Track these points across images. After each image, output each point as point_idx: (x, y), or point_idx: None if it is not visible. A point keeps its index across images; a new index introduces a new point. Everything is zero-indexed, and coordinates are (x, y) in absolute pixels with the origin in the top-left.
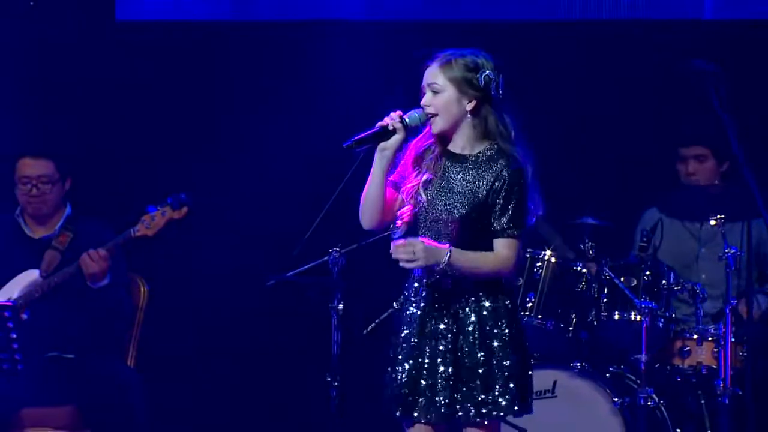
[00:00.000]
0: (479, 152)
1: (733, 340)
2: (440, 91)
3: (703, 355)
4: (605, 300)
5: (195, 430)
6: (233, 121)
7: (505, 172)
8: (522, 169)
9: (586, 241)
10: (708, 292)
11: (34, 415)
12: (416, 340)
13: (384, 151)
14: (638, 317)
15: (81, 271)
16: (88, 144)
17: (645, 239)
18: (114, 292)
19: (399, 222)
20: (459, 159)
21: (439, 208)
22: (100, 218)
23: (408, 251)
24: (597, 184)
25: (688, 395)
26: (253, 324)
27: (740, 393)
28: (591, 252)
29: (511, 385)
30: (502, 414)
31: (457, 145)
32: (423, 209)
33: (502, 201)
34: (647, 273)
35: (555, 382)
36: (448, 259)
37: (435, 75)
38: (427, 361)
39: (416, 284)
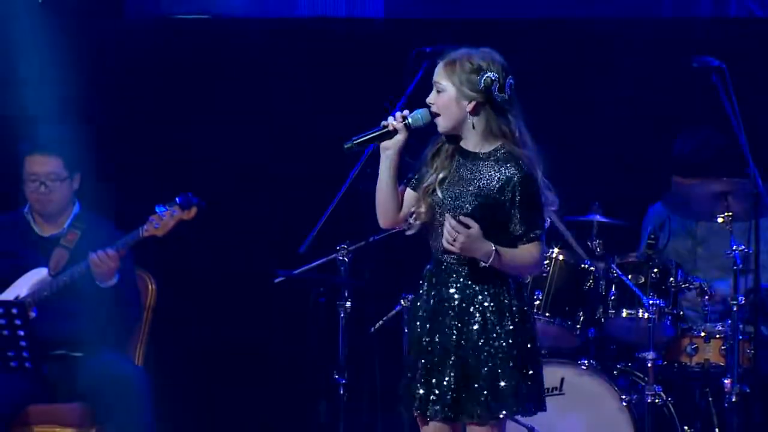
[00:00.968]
0: (490, 151)
1: (740, 337)
2: (442, 90)
3: (711, 352)
4: (613, 297)
5: (202, 427)
6: (240, 119)
7: (516, 179)
8: (531, 174)
9: (594, 238)
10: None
11: (41, 413)
12: (426, 339)
13: (386, 151)
14: (646, 315)
15: (89, 270)
16: (96, 141)
17: (653, 236)
18: (123, 290)
19: (414, 218)
20: (471, 157)
21: (449, 206)
22: (108, 217)
23: (452, 233)
24: (604, 181)
25: (695, 393)
26: (260, 321)
27: (748, 391)
28: (598, 249)
29: (517, 384)
30: (506, 413)
31: (469, 143)
32: (438, 206)
33: (518, 209)
34: (655, 270)
35: (563, 380)
36: (491, 261)
37: (439, 74)
38: (435, 359)
39: (430, 284)
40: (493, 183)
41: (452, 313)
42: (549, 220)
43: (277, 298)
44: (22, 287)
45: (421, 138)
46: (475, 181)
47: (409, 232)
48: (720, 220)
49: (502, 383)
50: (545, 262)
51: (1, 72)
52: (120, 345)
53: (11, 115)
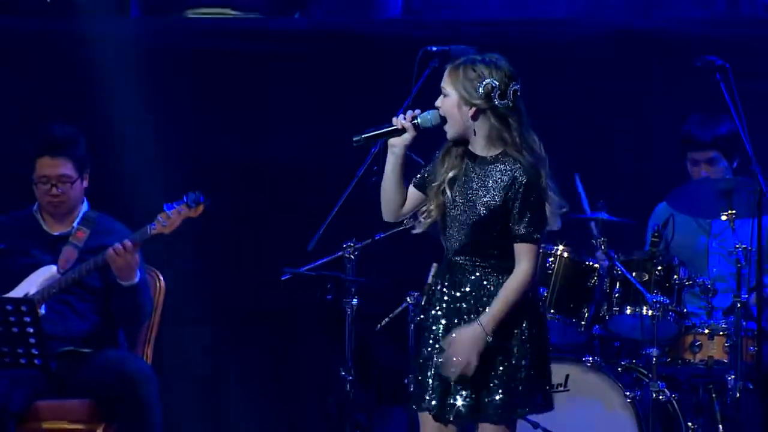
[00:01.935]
0: (497, 155)
1: (744, 334)
2: (447, 95)
3: (715, 349)
4: (617, 295)
5: (210, 424)
6: (247, 116)
7: (519, 179)
8: (531, 178)
9: (599, 236)
10: (718, 286)
11: (50, 409)
12: (441, 339)
13: (393, 147)
14: (650, 312)
15: (99, 267)
16: (103, 141)
17: (657, 234)
18: (142, 290)
19: (425, 217)
20: (478, 160)
21: (459, 207)
22: (117, 215)
23: (457, 366)
24: (609, 179)
25: (699, 389)
26: (267, 318)
27: (751, 387)
28: (603, 247)
29: (530, 385)
30: (520, 413)
31: (476, 147)
32: (448, 206)
33: (518, 207)
34: (659, 268)
35: (567, 376)
36: (487, 331)
37: (445, 80)
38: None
39: (442, 282)
40: (499, 185)
41: (467, 313)
42: (558, 225)
43: (284, 295)
44: (31, 285)
45: (431, 138)
46: (483, 183)
47: (415, 231)
48: (723, 217)
49: (519, 382)
50: (550, 259)
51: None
52: (129, 342)
53: (21, 115)
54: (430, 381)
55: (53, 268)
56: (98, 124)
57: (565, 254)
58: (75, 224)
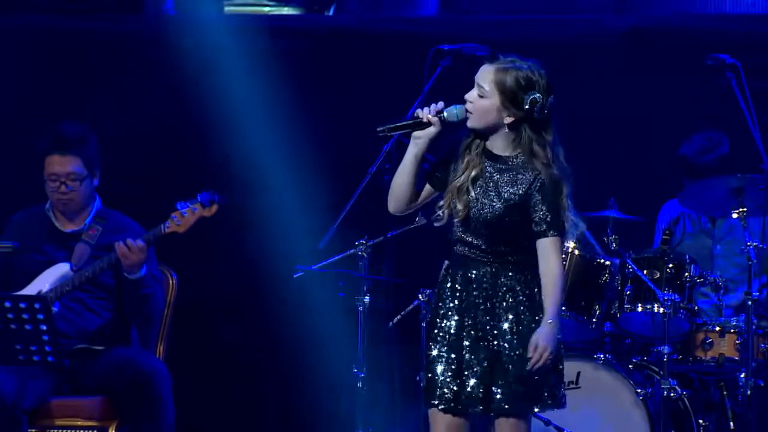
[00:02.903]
0: (517, 154)
1: (755, 332)
2: (485, 96)
3: (726, 346)
4: (628, 292)
5: (222, 421)
6: (257, 114)
7: (542, 176)
8: (558, 178)
9: (610, 233)
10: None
11: (63, 406)
12: (456, 334)
13: (417, 140)
14: (661, 309)
15: (112, 265)
16: (117, 139)
17: (668, 232)
18: (148, 284)
19: (452, 217)
20: (498, 159)
21: (480, 206)
22: (130, 214)
23: (541, 358)
24: (620, 177)
25: (710, 387)
26: (279, 315)
27: (762, 384)
28: (614, 245)
29: (548, 379)
30: (540, 407)
31: (496, 146)
32: (473, 205)
33: (542, 203)
34: (670, 265)
35: (579, 374)
36: (557, 323)
37: (485, 78)
38: (467, 354)
39: (454, 279)
40: (520, 188)
41: (483, 308)
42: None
43: (296, 292)
44: (44, 282)
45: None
46: (504, 186)
47: (437, 224)
48: (734, 215)
49: (536, 377)
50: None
51: None
52: (142, 339)
53: (30, 113)
54: (441, 377)
55: (66, 266)
56: (112, 123)
57: (577, 252)
58: (87, 221)
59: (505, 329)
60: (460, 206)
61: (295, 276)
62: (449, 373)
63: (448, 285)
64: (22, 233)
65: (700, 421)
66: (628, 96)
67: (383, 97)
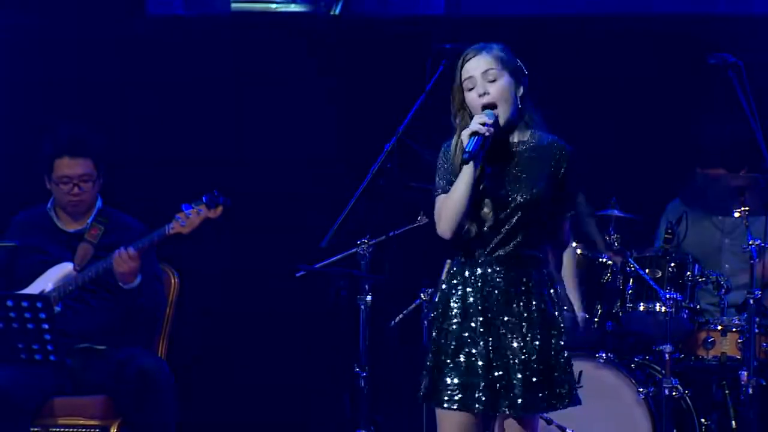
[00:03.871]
0: (529, 138)
1: (757, 331)
2: (497, 78)
3: (728, 345)
4: (630, 291)
5: (224, 420)
6: (259, 114)
7: (564, 154)
8: (573, 152)
9: (612, 232)
10: (732, 282)
11: (65, 405)
12: (466, 333)
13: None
14: (663, 308)
15: (109, 270)
16: (122, 140)
17: (670, 231)
18: (148, 285)
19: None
20: (512, 147)
21: (500, 197)
22: (134, 214)
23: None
24: (622, 176)
25: (712, 386)
26: (281, 315)
27: (764, 383)
28: (616, 243)
29: (568, 376)
30: (560, 405)
31: (509, 133)
32: (488, 200)
33: (565, 183)
34: (672, 264)
35: (581, 372)
36: (583, 312)
37: (489, 62)
38: (479, 353)
39: (466, 273)
40: (542, 173)
41: (496, 306)
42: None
43: (298, 292)
44: (47, 282)
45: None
46: (524, 173)
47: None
48: (737, 215)
49: (557, 375)
50: None
51: None
52: (143, 338)
53: (33, 115)
54: (457, 379)
55: (69, 266)
56: (117, 122)
57: (578, 251)
58: (89, 221)
59: (520, 330)
60: (487, 210)
61: (297, 275)
62: (464, 373)
63: (454, 283)
64: (24, 233)
65: (702, 420)
66: (629, 95)
67: (387, 95)
